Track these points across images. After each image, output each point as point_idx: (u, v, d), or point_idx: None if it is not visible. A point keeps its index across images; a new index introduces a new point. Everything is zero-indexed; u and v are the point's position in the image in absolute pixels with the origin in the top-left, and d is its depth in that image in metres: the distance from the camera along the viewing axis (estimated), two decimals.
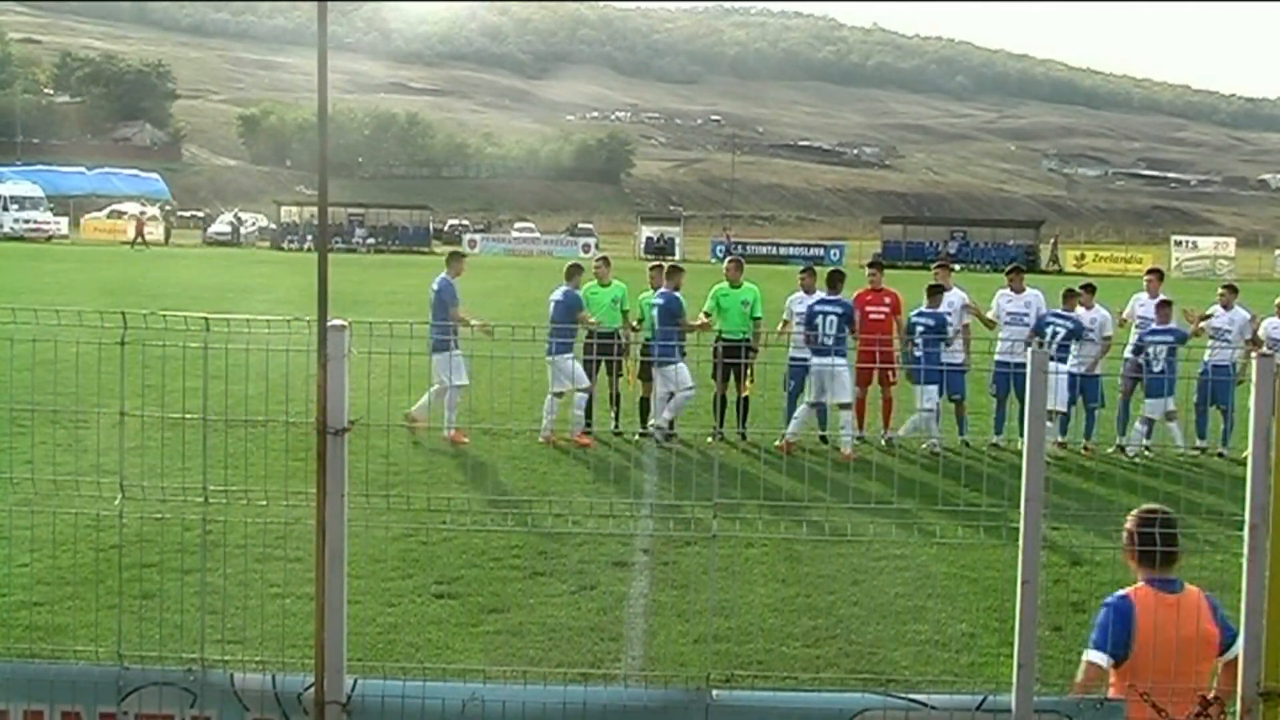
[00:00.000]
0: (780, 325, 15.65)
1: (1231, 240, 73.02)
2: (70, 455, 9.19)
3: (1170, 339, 14.45)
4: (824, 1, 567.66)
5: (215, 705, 4.54)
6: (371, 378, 4.74)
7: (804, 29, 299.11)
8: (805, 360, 14.38)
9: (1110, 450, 14.65)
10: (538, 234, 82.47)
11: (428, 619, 8.14)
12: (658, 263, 16.23)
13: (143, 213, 70.57)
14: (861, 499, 10.30)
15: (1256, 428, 4.35)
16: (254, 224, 79.04)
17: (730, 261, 15.81)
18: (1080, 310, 14.83)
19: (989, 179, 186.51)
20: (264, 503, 5.48)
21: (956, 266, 43.67)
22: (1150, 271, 16.32)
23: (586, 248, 70.51)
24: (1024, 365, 4.37)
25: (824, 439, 14.28)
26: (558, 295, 14.66)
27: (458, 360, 13.44)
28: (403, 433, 12.49)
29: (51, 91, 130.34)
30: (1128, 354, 14.98)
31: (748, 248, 66.96)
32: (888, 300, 15.02)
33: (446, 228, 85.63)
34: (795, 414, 14.29)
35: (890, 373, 14.75)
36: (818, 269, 16.06)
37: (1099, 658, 4.74)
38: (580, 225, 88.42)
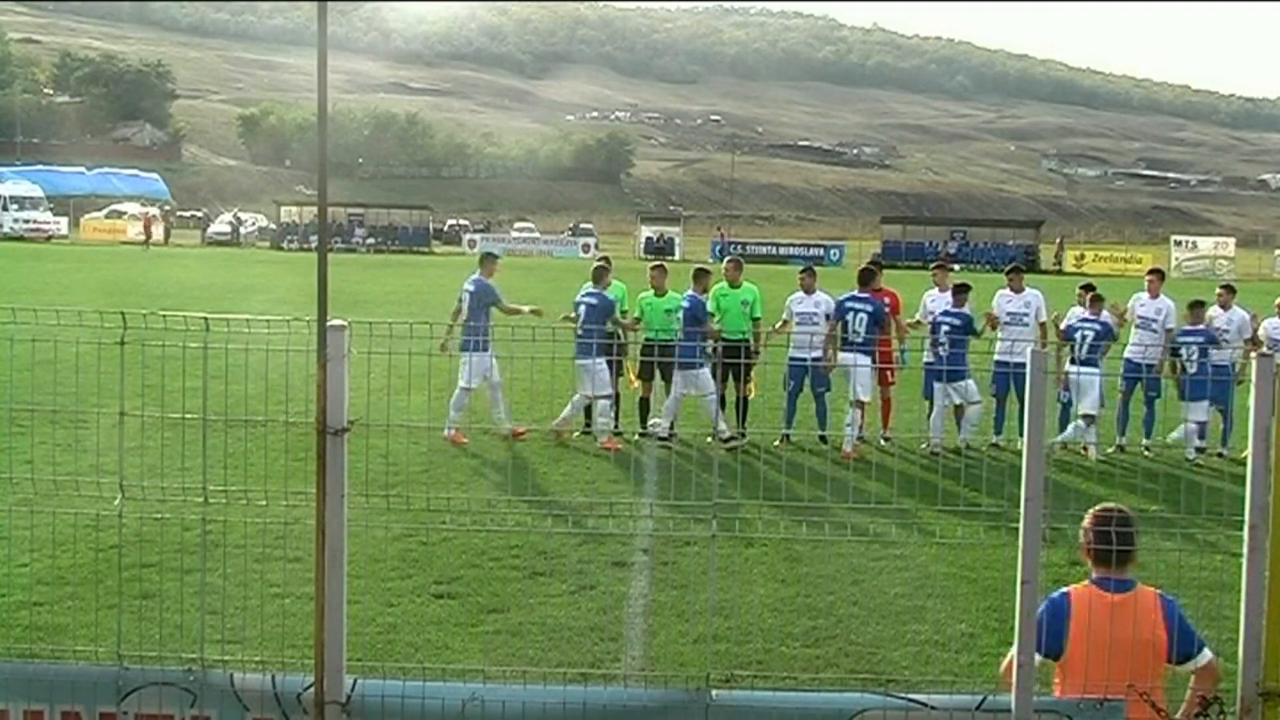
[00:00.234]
0: (779, 325, 15.65)
1: (1231, 240, 73.06)
2: (70, 455, 9.19)
3: (1201, 339, 14.47)
4: (824, 1, 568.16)
5: (215, 705, 4.54)
6: (371, 378, 4.74)
7: (804, 29, 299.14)
8: (805, 360, 14.38)
9: (1110, 450, 14.66)
10: (537, 234, 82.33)
11: (427, 619, 8.14)
12: (658, 263, 16.22)
13: (147, 213, 70.58)
14: (861, 499, 10.32)
15: (1256, 428, 4.35)
16: (253, 224, 79.01)
17: (729, 261, 15.80)
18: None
19: (989, 179, 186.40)
20: (264, 503, 5.49)
21: (956, 266, 43.92)
22: (1151, 271, 16.32)
23: (586, 248, 70.57)
24: (1024, 365, 4.37)
25: (824, 439, 14.28)
26: (589, 298, 14.63)
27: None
28: (402, 433, 12.48)
29: (51, 91, 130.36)
30: (1127, 354, 14.98)
31: (747, 248, 66.77)
32: (887, 300, 15.04)
33: (446, 228, 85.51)
34: (847, 421, 14.09)
35: (889, 373, 14.77)
36: (818, 269, 16.08)
37: None
38: (581, 225, 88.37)
